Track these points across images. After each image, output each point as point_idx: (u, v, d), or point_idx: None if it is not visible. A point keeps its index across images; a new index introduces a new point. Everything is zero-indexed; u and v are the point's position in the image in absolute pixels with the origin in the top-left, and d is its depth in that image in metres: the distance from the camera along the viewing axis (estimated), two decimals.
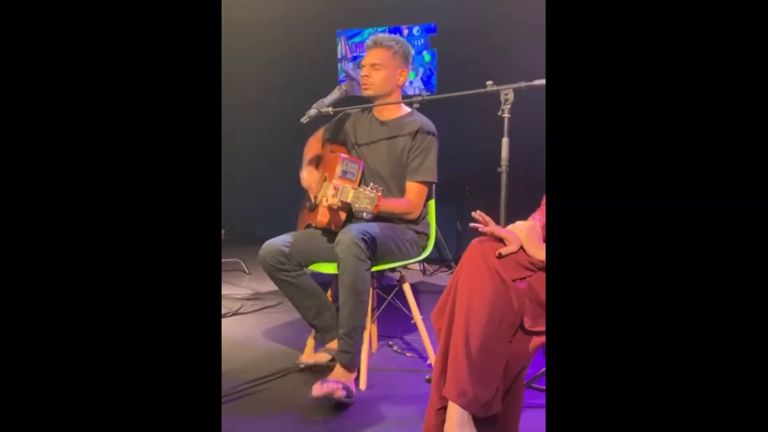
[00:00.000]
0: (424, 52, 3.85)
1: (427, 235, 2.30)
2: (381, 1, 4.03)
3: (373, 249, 2.01)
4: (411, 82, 3.86)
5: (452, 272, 2.49)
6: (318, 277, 2.23)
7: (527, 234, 1.50)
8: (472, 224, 1.53)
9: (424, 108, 2.22)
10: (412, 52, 2.35)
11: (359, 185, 1.97)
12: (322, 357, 2.22)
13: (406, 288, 2.22)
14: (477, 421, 1.41)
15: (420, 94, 2.47)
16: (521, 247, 1.50)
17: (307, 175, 2.32)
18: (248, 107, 4.57)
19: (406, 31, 3.88)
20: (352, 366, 2.02)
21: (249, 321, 2.86)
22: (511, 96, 1.96)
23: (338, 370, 2.00)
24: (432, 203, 2.37)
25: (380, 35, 2.28)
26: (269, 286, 2.58)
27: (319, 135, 2.48)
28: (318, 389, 1.88)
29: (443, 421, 1.43)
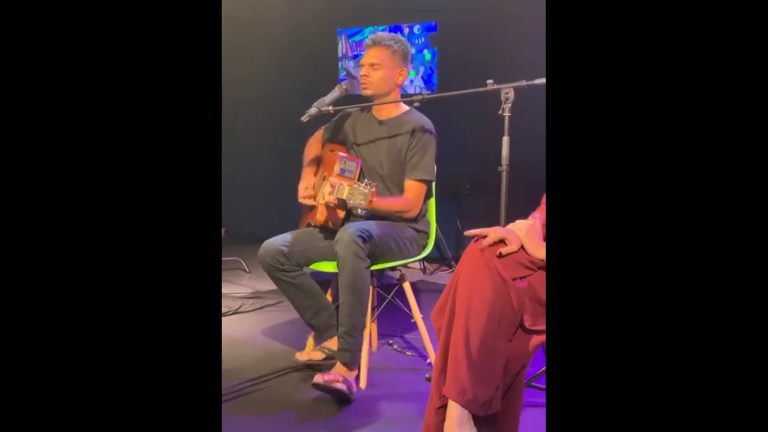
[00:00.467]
0: (425, 51, 3.84)
1: (427, 234, 2.30)
2: None
3: (373, 247, 2.01)
4: (411, 81, 3.86)
5: (452, 271, 2.49)
6: (319, 276, 2.23)
7: (527, 233, 1.50)
8: (468, 233, 1.51)
9: (425, 107, 2.22)
10: (412, 51, 2.34)
11: (356, 183, 1.97)
12: (317, 355, 2.22)
13: (406, 287, 2.22)
14: (477, 419, 1.41)
15: (420, 93, 2.47)
16: (521, 246, 1.49)
17: (303, 182, 2.32)
18: (249, 106, 4.57)
19: (406, 30, 3.88)
20: (352, 364, 2.02)
21: (249, 320, 2.86)
22: (511, 95, 1.96)
23: (339, 369, 2.01)
24: (432, 201, 2.37)
25: (379, 34, 2.28)
26: (269, 285, 2.58)
27: (318, 135, 2.48)
28: (319, 377, 1.91)
29: (443, 420, 1.43)
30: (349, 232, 1.97)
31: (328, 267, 2.16)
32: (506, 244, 1.47)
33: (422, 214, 2.30)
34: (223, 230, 4.06)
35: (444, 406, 1.44)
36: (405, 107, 2.33)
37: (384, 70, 2.23)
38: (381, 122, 2.32)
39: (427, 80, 3.86)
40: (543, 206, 1.65)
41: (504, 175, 1.97)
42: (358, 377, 2.06)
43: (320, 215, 2.17)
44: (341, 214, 2.19)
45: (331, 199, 1.98)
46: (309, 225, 2.29)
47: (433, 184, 2.34)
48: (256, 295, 3.22)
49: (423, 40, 3.85)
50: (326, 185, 2.03)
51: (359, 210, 1.90)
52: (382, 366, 2.29)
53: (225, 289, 3.32)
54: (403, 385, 2.12)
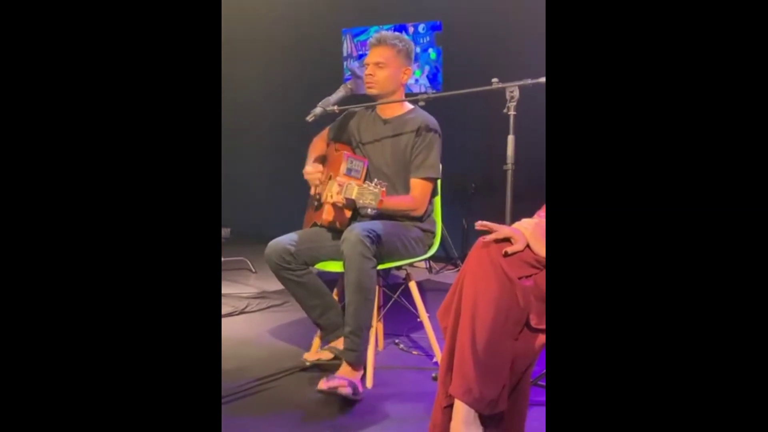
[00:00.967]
0: (430, 50, 3.84)
1: (432, 233, 2.30)
2: None
3: (379, 247, 2.01)
4: (417, 80, 3.86)
5: (458, 270, 2.49)
6: (325, 275, 2.23)
7: (533, 231, 1.50)
8: (478, 224, 1.52)
9: (430, 105, 2.21)
10: (416, 49, 2.34)
11: (364, 182, 1.97)
12: (325, 355, 2.22)
13: (412, 286, 2.22)
14: (483, 418, 1.41)
15: (425, 92, 2.46)
16: (527, 245, 1.49)
17: (311, 168, 2.29)
18: (253, 106, 4.58)
19: (411, 29, 3.88)
20: (358, 364, 2.02)
21: (255, 320, 2.87)
22: (516, 93, 1.95)
23: (344, 368, 2.01)
24: (438, 200, 2.37)
25: (383, 33, 2.28)
26: (275, 284, 2.59)
27: (324, 134, 2.47)
28: (323, 384, 1.89)
29: (450, 419, 1.43)
30: (355, 232, 1.97)
31: (334, 267, 2.16)
32: (512, 243, 1.47)
33: (428, 214, 2.29)
34: (228, 230, 4.06)
35: (450, 405, 1.44)
36: (410, 106, 2.33)
37: (389, 69, 2.23)
38: (386, 121, 2.32)
39: (432, 79, 3.86)
40: None
41: (509, 173, 1.97)
42: (364, 377, 2.06)
43: (327, 215, 2.16)
44: (348, 213, 2.19)
45: (339, 199, 1.98)
46: (315, 225, 2.29)
47: (439, 181, 2.33)
48: (262, 295, 3.22)
49: (428, 39, 3.85)
50: (333, 185, 2.02)
51: (368, 210, 1.90)
52: (388, 365, 2.29)
53: (231, 289, 3.33)
54: (410, 384, 2.12)
